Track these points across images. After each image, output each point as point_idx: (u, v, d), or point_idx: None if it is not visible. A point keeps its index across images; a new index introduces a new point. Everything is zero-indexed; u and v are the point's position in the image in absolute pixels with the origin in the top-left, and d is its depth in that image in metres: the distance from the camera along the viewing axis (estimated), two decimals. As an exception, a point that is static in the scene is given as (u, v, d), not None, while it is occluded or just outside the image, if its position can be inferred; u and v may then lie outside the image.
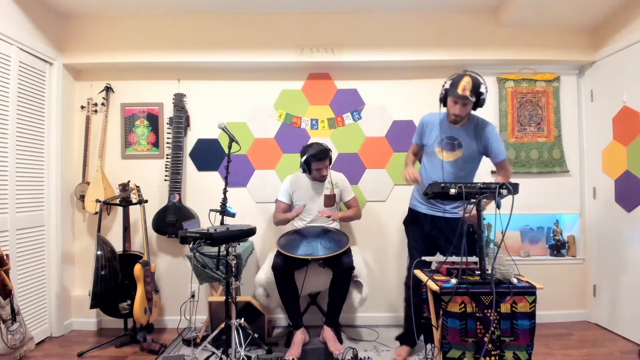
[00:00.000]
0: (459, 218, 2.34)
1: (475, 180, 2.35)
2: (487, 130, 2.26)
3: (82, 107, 3.13)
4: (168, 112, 3.14)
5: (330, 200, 2.80)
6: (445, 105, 2.25)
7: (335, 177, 2.88)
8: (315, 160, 2.67)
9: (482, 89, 2.14)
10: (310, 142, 2.95)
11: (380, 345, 2.68)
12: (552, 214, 3.22)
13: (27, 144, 2.68)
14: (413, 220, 2.49)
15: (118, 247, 2.81)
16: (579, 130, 3.20)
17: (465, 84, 2.09)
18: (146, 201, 2.86)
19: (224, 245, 2.21)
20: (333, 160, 3.11)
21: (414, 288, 2.12)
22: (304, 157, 2.69)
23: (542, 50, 3.05)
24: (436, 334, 1.81)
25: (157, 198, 3.10)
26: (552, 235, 3.23)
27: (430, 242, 2.39)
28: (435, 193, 1.83)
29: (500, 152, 2.26)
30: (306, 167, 2.72)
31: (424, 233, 2.41)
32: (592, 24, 2.99)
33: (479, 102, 2.16)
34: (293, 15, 3.03)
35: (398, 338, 2.60)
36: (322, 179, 2.79)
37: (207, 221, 2.61)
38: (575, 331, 2.91)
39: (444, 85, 2.23)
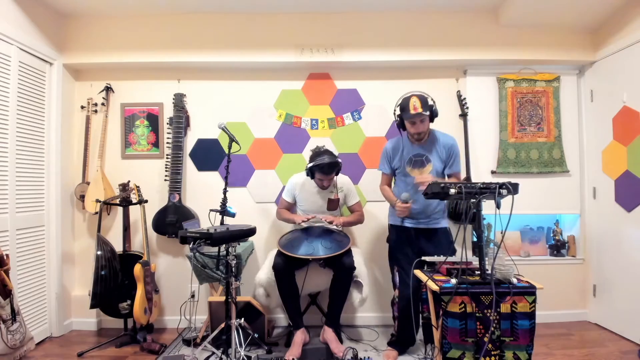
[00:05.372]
0: (443, 228, 2.49)
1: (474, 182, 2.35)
2: (451, 146, 2.46)
3: (82, 107, 3.13)
4: (168, 112, 3.14)
5: (333, 204, 2.79)
6: (404, 129, 2.44)
7: (341, 181, 2.84)
8: (320, 172, 2.63)
9: (430, 102, 2.37)
10: (323, 147, 2.90)
11: (380, 345, 2.67)
12: (552, 214, 3.22)
13: (27, 144, 2.68)
14: (402, 239, 2.50)
15: (118, 247, 2.81)
16: (579, 130, 3.19)
17: (414, 103, 2.30)
18: (146, 201, 2.86)
19: (224, 245, 2.21)
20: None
21: (413, 301, 2.14)
22: (310, 165, 2.64)
23: (542, 50, 3.05)
24: (436, 334, 1.81)
25: (157, 198, 3.11)
26: (552, 235, 3.23)
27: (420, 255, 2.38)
28: (435, 193, 1.84)
29: (456, 166, 2.47)
30: (310, 172, 2.68)
31: (418, 248, 2.43)
32: (592, 24, 2.99)
33: (433, 114, 2.36)
34: (293, 15, 3.03)
35: (389, 343, 2.61)
36: (322, 188, 2.76)
37: (207, 221, 2.61)
38: (575, 331, 2.91)
39: (395, 112, 2.44)
